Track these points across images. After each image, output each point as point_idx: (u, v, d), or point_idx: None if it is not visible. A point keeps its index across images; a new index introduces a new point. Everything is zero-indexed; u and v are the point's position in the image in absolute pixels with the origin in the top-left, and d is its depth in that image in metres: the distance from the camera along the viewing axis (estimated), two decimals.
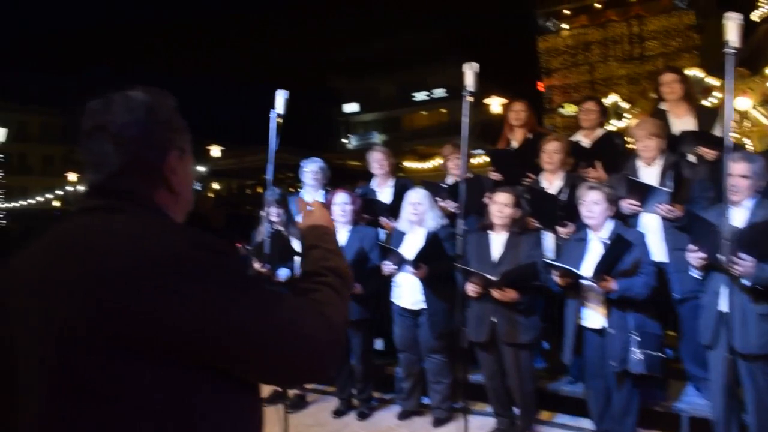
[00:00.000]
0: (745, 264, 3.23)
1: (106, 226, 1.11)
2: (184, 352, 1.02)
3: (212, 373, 1.05)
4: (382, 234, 5.13)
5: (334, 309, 1.22)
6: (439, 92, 39.94)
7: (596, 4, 34.85)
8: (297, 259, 4.78)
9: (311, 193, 5.51)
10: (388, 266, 4.41)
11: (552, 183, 4.62)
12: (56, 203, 38.49)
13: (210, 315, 1.02)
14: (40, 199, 38.65)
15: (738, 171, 3.47)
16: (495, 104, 17.96)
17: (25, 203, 37.25)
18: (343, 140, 42.20)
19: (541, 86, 36.14)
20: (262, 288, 1.11)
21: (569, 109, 33.48)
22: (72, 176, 39.10)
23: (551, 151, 4.57)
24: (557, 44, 35.66)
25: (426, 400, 4.74)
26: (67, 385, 1.00)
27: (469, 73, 3.53)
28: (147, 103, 1.21)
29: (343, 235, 4.70)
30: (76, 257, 1.06)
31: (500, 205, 4.12)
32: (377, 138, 39.91)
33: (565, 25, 35.59)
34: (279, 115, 3.90)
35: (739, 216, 3.49)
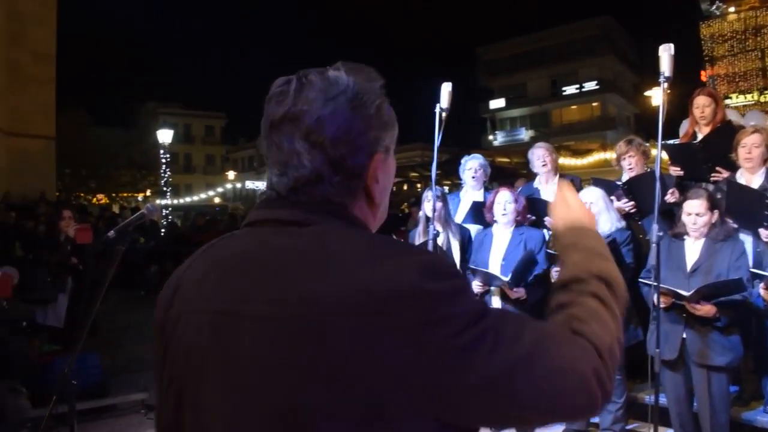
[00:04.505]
0: None
1: (304, 245, 0.91)
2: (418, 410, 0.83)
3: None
4: (547, 236, 4.78)
5: (601, 326, 0.96)
6: (590, 85, 38.27)
7: None
8: (457, 261, 4.57)
9: (471, 191, 5.27)
10: (557, 272, 4.05)
11: (751, 181, 4.04)
12: (217, 200, 41.37)
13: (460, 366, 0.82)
14: (203, 195, 41.69)
15: None
16: (657, 96, 16.71)
17: (189, 200, 40.24)
18: (489, 137, 41.62)
19: (704, 76, 33.82)
20: (510, 322, 0.88)
21: (737, 100, 31.02)
22: (231, 174, 41.89)
23: (751, 144, 4.00)
24: (723, 29, 33.33)
25: (595, 420, 4.34)
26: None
27: (665, 56, 3.10)
28: (352, 90, 0.96)
29: (505, 236, 4.41)
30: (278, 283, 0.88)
31: (693, 216, 3.64)
32: (525, 134, 38.98)
33: (731, 8, 33.21)
34: (443, 110, 3.70)
35: None
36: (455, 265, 0.97)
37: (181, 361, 0.96)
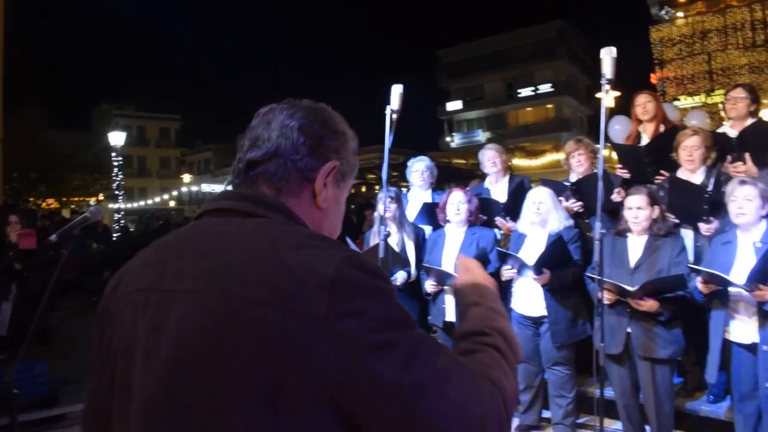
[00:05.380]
0: None
1: (244, 231, 1.00)
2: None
3: None
4: (498, 235, 4.86)
5: (504, 376, 0.99)
6: (545, 88, 38.90)
7: None
8: (413, 261, 4.61)
9: (419, 192, 5.31)
10: (507, 271, 4.13)
11: (691, 180, 4.18)
12: (172, 203, 40.62)
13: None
14: (157, 199, 40.90)
15: None
16: (608, 99, 17.10)
17: (143, 204, 39.44)
18: (447, 138, 41.90)
19: (653, 78, 34.59)
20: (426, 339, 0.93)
21: (685, 102, 31.83)
22: (186, 177, 41.14)
23: (691, 146, 4.14)
24: (671, 33, 34.07)
25: (547, 414, 4.42)
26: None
27: (607, 58, 3.19)
28: (324, 110, 1.18)
29: (459, 236, 4.47)
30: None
31: (634, 210, 3.76)
32: (481, 136, 39.38)
33: (680, 13, 33.97)
34: (394, 111, 3.73)
35: None
36: (383, 270, 1.01)
37: (117, 342, 1.00)
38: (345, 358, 0.85)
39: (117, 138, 21.14)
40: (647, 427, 3.91)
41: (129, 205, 32.46)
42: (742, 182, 3.49)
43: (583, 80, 40.60)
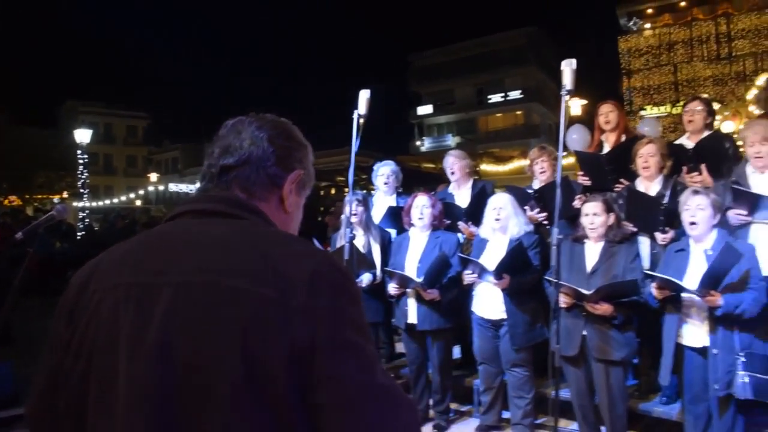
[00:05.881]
0: None
1: (225, 230, 1.08)
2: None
3: None
4: (461, 239, 4.94)
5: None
6: (515, 94, 39.34)
7: (681, 3, 33.78)
8: (378, 264, 4.67)
9: (384, 196, 5.38)
10: (469, 275, 4.22)
11: (649, 188, 4.31)
12: (138, 202, 40.03)
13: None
14: (123, 198, 40.26)
15: None
16: (575, 106, 17.40)
17: (108, 202, 38.82)
18: (417, 143, 42.09)
19: (621, 88, 35.19)
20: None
21: (651, 112, 32.43)
22: (153, 176, 40.57)
23: (647, 154, 4.27)
24: (639, 44, 34.77)
25: (507, 415, 4.51)
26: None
27: (567, 70, 3.30)
28: (287, 124, 1.29)
29: (422, 240, 4.54)
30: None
31: (590, 216, 3.88)
32: (451, 140, 39.63)
33: (647, 25, 34.68)
34: (361, 116, 3.79)
35: None
36: (354, 275, 1.11)
37: (92, 337, 1.03)
38: (316, 349, 0.94)
39: (83, 135, 20.78)
40: (602, 428, 4.03)
41: (94, 204, 31.90)
42: (695, 192, 3.62)
43: (553, 87, 41.15)
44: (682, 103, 16.58)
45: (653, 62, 34.42)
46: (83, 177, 21.80)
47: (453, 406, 4.87)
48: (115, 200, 39.67)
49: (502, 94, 39.91)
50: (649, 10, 34.72)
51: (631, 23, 35.49)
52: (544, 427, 4.50)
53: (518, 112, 39.91)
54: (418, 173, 15.89)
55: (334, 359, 0.94)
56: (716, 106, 11.54)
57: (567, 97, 3.36)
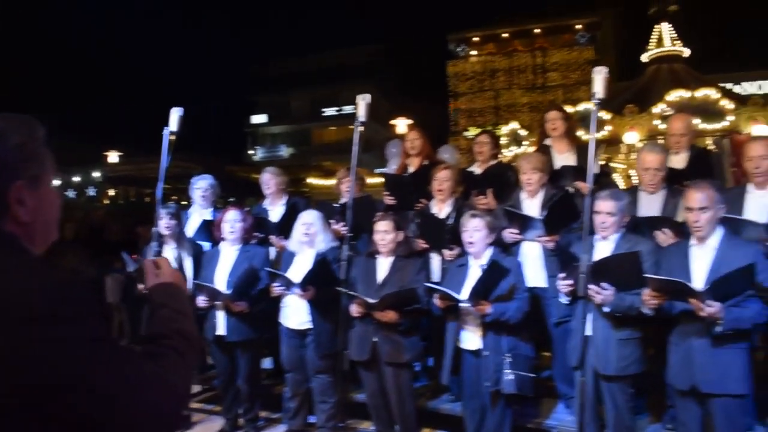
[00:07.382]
0: (605, 293, 3.50)
1: None
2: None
3: None
4: (273, 252, 5.16)
5: (179, 376, 1.22)
6: (349, 109, 40.27)
7: (503, 34, 36.34)
8: (190, 278, 4.73)
9: (200, 210, 5.46)
10: (277, 287, 4.44)
11: (442, 209, 4.81)
12: None
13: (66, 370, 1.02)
14: None
15: (605, 209, 3.73)
16: (401, 125, 18.33)
17: None
18: (250, 152, 41.62)
19: (450, 109, 37.16)
20: (113, 349, 1.12)
21: (474, 133, 34.60)
22: None
23: (441, 179, 4.77)
24: (465, 69, 36.86)
25: (312, 419, 4.78)
26: None
27: (362, 104, 3.66)
28: None
29: (232, 254, 4.70)
30: None
31: (381, 233, 4.28)
32: (285, 151, 39.65)
33: (473, 52, 36.88)
34: (172, 133, 3.86)
35: (605, 249, 3.76)
36: (89, 292, 1.18)
37: None
38: (53, 369, 1.00)
39: None
40: (396, 427, 4.43)
41: None
42: (473, 215, 4.12)
43: (385, 105, 42.65)
44: (501, 126, 18.05)
45: (477, 87, 36.71)
46: None
47: (263, 414, 5.05)
48: None
49: (337, 108, 40.64)
50: (476, 38, 36.95)
51: (459, 49, 37.54)
52: (348, 428, 4.81)
53: (351, 127, 40.72)
54: (249, 183, 15.81)
55: (76, 375, 1.02)
56: (525, 132, 12.81)
57: (361, 129, 3.71)
